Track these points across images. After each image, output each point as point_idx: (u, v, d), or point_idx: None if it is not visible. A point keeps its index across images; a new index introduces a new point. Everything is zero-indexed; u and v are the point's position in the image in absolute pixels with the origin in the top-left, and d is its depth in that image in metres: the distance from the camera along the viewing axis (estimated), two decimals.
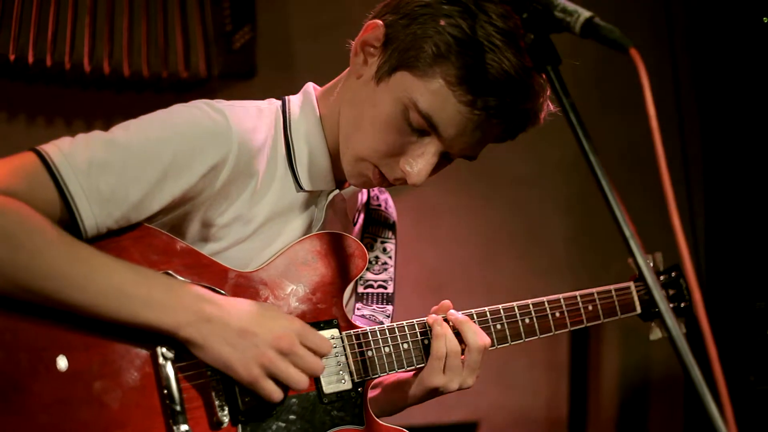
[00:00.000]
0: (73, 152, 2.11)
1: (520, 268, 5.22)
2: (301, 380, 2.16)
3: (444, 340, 2.42)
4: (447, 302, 2.50)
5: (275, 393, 2.15)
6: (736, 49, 5.34)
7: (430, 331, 2.43)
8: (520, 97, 2.24)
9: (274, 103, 2.43)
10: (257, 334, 2.13)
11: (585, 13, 1.90)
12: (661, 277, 2.91)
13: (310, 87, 2.47)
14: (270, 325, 2.16)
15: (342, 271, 2.38)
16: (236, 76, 4.21)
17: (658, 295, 1.85)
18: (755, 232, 5.30)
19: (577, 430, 5.48)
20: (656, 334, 2.85)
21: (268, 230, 2.33)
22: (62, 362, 2.06)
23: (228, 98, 2.40)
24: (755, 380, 4.92)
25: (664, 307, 1.82)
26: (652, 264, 2.91)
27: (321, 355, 2.22)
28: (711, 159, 5.57)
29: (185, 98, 2.32)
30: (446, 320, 2.46)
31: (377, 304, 2.62)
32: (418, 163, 2.30)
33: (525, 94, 2.24)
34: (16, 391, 2.02)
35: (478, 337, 2.44)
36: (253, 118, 2.31)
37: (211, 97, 2.36)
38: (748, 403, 4.90)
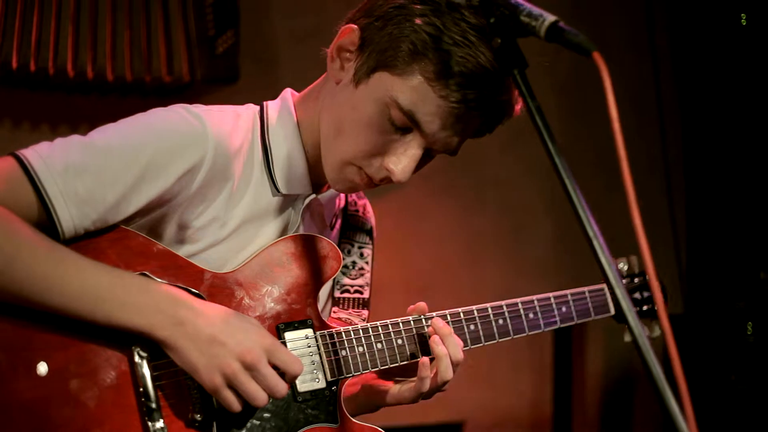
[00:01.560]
0: (51, 155, 2.16)
1: (506, 269, 5.25)
2: (259, 397, 2.19)
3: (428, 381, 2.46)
4: (422, 304, 2.53)
5: (234, 404, 2.18)
6: (717, 50, 5.39)
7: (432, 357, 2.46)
8: (496, 90, 2.28)
9: (251, 108, 2.46)
10: (225, 344, 2.16)
11: (550, 18, 1.94)
12: (636, 279, 2.94)
13: (288, 93, 2.50)
14: (240, 336, 2.18)
15: (316, 272, 2.42)
16: (219, 80, 4.24)
17: (621, 294, 1.88)
18: (736, 233, 5.35)
19: (561, 429, 5.52)
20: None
21: (244, 232, 2.36)
22: (42, 368, 2.11)
23: (211, 102, 2.43)
24: (736, 380, 4.97)
25: (626, 306, 1.86)
26: (626, 267, 2.94)
27: (291, 375, 2.24)
28: (692, 160, 5.62)
29: (169, 102, 2.36)
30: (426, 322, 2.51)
31: (353, 308, 2.65)
32: (402, 160, 2.33)
33: (501, 86, 2.28)
34: None
35: (459, 354, 2.47)
36: (230, 122, 2.35)
37: (195, 102, 2.40)
38: (730, 403, 4.94)
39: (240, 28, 4.35)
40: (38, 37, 3.92)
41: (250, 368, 2.17)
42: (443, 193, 5.19)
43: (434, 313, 2.53)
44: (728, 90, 5.36)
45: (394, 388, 2.54)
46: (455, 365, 2.47)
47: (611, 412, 5.62)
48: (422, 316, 2.51)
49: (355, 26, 2.33)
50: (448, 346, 2.46)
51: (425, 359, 2.45)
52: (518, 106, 2.36)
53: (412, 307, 2.53)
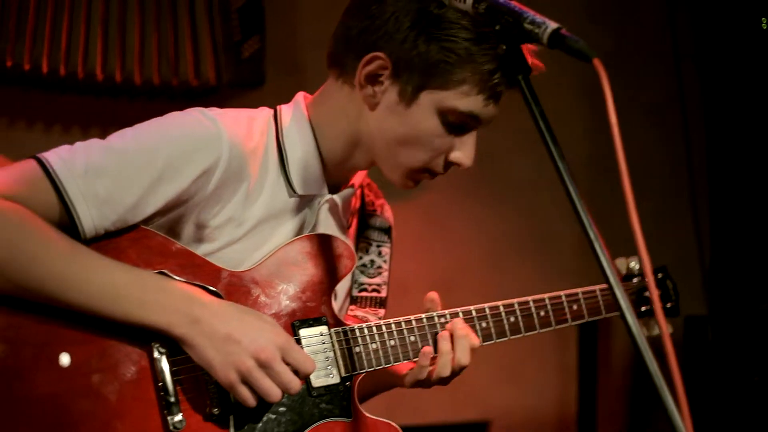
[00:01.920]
0: (72, 158, 2.24)
1: (529, 271, 5.28)
2: (273, 393, 2.26)
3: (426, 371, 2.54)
4: (434, 294, 2.61)
5: (249, 399, 2.26)
6: (740, 54, 5.41)
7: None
8: None
9: (266, 111, 2.54)
10: (240, 342, 2.23)
11: (552, 25, 2.02)
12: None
13: (301, 96, 2.58)
14: (254, 335, 2.26)
15: (331, 271, 2.48)
16: (245, 84, 4.31)
17: (620, 294, 1.94)
18: (760, 235, 5.37)
19: (586, 430, 5.55)
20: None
21: (260, 232, 2.43)
22: (65, 358, 2.19)
23: (238, 106, 2.52)
24: (759, 381, 4.99)
25: (624, 305, 1.91)
26: (638, 266, 2.98)
27: (303, 373, 2.32)
28: (716, 163, 5.64)
29: (196, 106, 2.43)
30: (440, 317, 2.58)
31: (370, 307, 2.73)
32: (466, 150, 2.47)
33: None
34: (19, 382, 2.15)
35: (465, 358, 2.53)
36: (244, 125, 2.42)
37: (221, 105, 2.48)
38: (752, 404, 4.97)
39: (266, 33, 4.40)
40: (68, 42, 3.99)
41: (264, 366, 2.24)
42: (467, 195, 5.23)
43: (447, 311, 2.59)
44: (752, 94, 5.39)
45: (400, 372, 2.60)
46: (457, 367, 2.53)
47: (637, 411, 5.64)
48: (435, 314, 2.58)
49: (381, 54, 2.40)
50: (457, 348, 2.52)
51: (428, 348, 2.52)
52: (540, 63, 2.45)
53: (425, 299, 2.61)
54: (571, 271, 5.34)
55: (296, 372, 2.30)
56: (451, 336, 2.54)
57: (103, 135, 2.37)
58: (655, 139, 5.52)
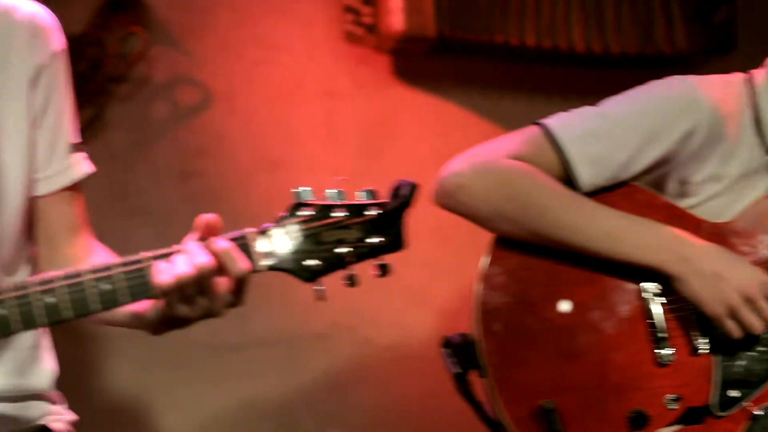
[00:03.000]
0: (570, 124, 2.56)
1: None
2: (756, 326, 2.46)
3: None
4: None
5: (735, 331, 2.47)
6: None
7: None
8: None
9: (739, 76, 2.70)
10: (726, 279, 2.46)
11: None
12: None
13: None
14: (738, 273, 2.47)
15: None
16: (716, 51, 4.35)
17: None
18: None
19: None
20: None
21: (737, 188, 2.60)
22: (565, 305, 2.51)
23: (709, 73, 2.71)
24: None
25: None
26: None
27: None
28: None
29: (670, 73, 2.66)
30: None
31: None
32: None
33: None
34: (531, 316, 2.50)
35: None
36: (721, 90, 2.61)
37: (694, 73, 2.69)
38: None
39: (736, 1, 4.41)
40: (550, 18, 4.17)
41: (749, 300, 2.46)
42: None
43: None
44: None
45: None
46: None
47: None
48: None
49: None
50: None
51: None
52: None
53: None
54: None
55: None
56: None
57: (585, 104, 2.64)
58: None
